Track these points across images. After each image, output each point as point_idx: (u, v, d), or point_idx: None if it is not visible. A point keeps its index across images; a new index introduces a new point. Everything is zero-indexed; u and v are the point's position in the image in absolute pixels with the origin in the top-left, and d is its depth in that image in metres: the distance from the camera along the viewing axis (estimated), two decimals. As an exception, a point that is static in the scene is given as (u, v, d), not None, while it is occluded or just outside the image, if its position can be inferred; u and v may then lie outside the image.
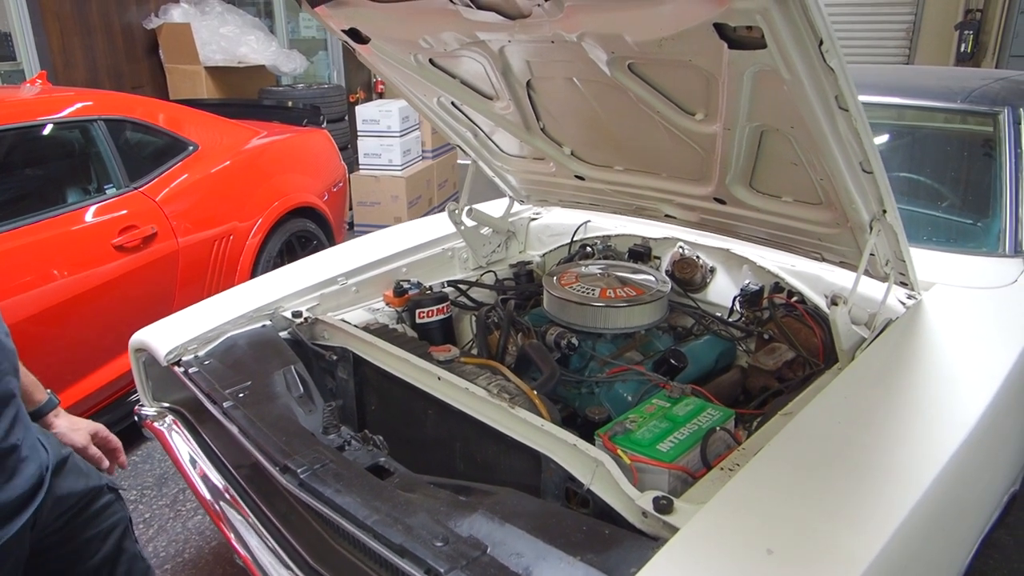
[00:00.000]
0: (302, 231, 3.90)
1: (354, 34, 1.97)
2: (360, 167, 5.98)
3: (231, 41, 5.47)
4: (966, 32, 6.02)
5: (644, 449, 1.53)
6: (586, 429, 1.87)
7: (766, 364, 1.99)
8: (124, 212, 2.93)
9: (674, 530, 1.22)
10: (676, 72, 1.56)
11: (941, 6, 6.39)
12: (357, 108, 5.91)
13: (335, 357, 2.00)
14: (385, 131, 5.78)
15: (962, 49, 6.03)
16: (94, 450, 1.62)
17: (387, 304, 2.40)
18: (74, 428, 1.61)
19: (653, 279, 2.25)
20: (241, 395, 1.79)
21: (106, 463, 1.65)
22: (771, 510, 1.27)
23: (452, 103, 2.23)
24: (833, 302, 1.71)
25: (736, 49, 1.28)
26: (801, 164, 1.66)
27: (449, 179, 6.88)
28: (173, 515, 2.77)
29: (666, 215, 2.33)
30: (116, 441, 1.69)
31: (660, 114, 1.73)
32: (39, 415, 1.59)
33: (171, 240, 3.07)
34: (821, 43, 1.18)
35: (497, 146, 2.49)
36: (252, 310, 2.14)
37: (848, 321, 1.73)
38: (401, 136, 5.82)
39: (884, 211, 1.63)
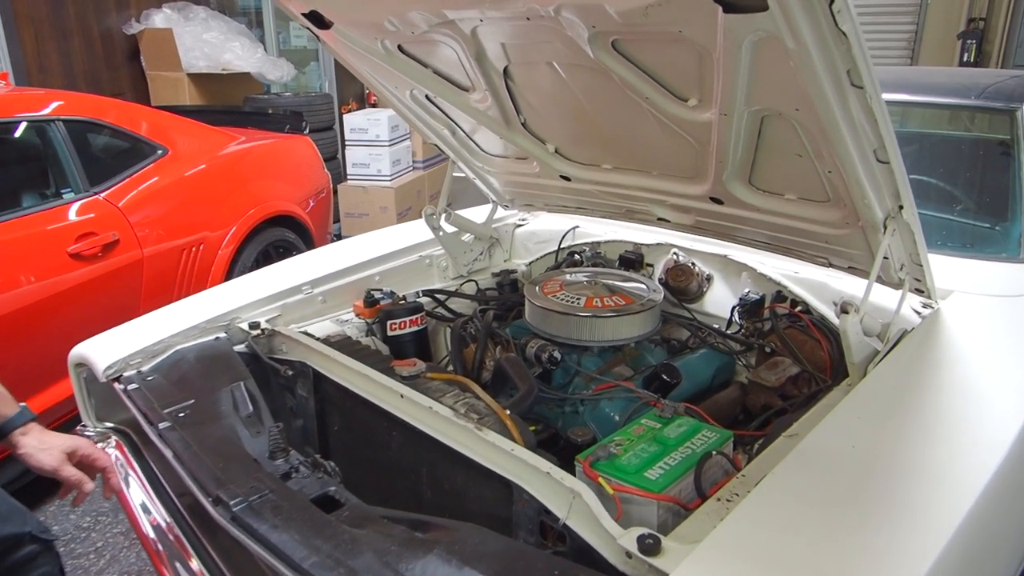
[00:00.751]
0: (280, 241, 3.73)
1: (316, 18, 1.80)
2: (348, 177, 5.82)
3: (215, 48, 5.33)
4: (969, 41, 5.88)
5: (630, 477, 1.35)
6: (568, 452, 1.68)
7: (768, 380, 1.81)
8: (82, 218, 2.75)
9: (662, 575, 1.03)
10: (665, 49, 1.39)
11: (943, 15, 6.26)
12: (345, 117, 5.76)
13: (291, 372, 1.81)
14: (374, 140, 5.62)
15: (965, 58, 5.88)
16: (70, 471, 1.38)
17: (357, 315, 2.21)
18: (44, 447, 1.37)
19: (644, 287, 2.07)
20: (181, 415, 1.60)
21: (89, 485, 1.41)
22: (775, 551, 1.08)
23: (426, 96, 2.06)
24: (843, 310, 1.53)
25: (732, 13, 1.11)
26: (807, 155, 1.48)
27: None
28: (128, 544, 2.57)
29: (659, 218, 2.15)
30: (104, 459, 1.46)
31: (649, 101, 1.55)
32: (2, 433, 1.35)
33: (135, 249, 2.89)
34: (832, 1, 1.01)
35: (477, 145, 2.31)
36: (205, 321, 1.95)
37: (860, 332, 1.54)
38: (390, 145, 5.66)
39: (900, 207, 1.45)
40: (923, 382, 1.52)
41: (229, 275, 3.37)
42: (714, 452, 1.41)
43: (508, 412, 1.46)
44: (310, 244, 3.99)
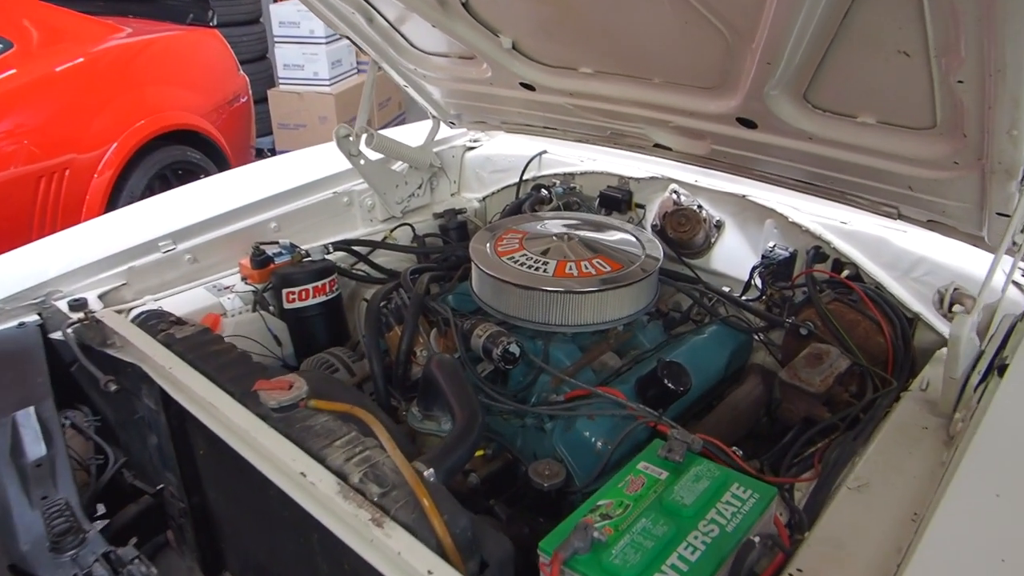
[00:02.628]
0: (180, 163, 3.04)
1: None
2: (280, 81, 5.02)
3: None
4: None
5: None
6: (531, 495, 1.17)
7: (811, 382, 1.28)
8: None
9: None
10: None
11: None
12: (272, 7, 4.90)
13: (114, 387, 1.22)
14: (307, 37, 4.81)
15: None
16: None
17: (243, 278, 1.62)
18: None
19: (636, 243, 1.50)
20: (-76, 468, 1.02)
21: None
22: None
23: (321, -38, 1.40)
24: (955, 303, 0.99)
25: None
26: (920, 52, 0.90)
27: (393, 97, 5.92)
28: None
29: (656, 145, 1.56)
30: None
31: (663, -42, 0.93)
32: None
33: (-36, 178, 2.21)
34: None
35: (406, 39, 1.67)
36: (3, 299, 1.35)
37: (975, 337, 1.01)
38: (328, 43, 4.85)
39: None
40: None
41: (111, 210, 2.70)
42: (756, 539, 0.89)
43: (429, 476, 0.91)
44: (224, 166, 3.29)
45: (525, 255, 1.43)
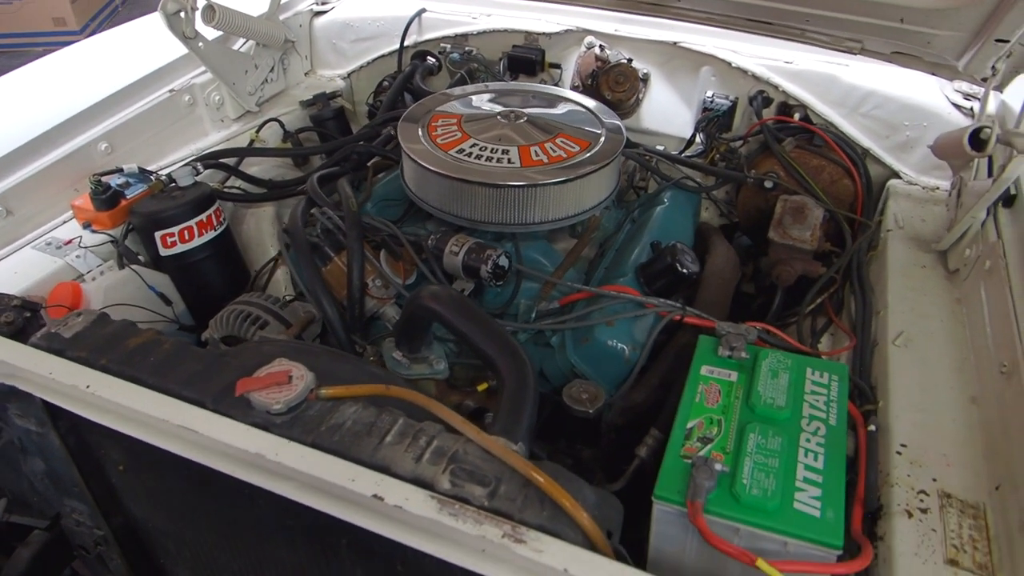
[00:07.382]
0: None
1: None
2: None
3: None
4: None
5: (785, 523, 0.77)
6: (565, 420, 1.02)
7: (803, 239, 1.23)
8: None
9: None
10: None
11: None
12: None
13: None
14: None
15: None
16: None
17: (87, 225, 1.20)
18: None
19: (583, 110, 1.31)
20: None
21: None
22: None
23: None
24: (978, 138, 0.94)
25: None
26: None
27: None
28: None
29: (581, -10, 1.34)
30: None
31: None
32: None
33: None
34: None
35: None
36: None
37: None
38: None
39: None
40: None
41: None
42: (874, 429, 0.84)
43: (521, 452, 0.72)
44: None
45: (475, 145, 1.18)
